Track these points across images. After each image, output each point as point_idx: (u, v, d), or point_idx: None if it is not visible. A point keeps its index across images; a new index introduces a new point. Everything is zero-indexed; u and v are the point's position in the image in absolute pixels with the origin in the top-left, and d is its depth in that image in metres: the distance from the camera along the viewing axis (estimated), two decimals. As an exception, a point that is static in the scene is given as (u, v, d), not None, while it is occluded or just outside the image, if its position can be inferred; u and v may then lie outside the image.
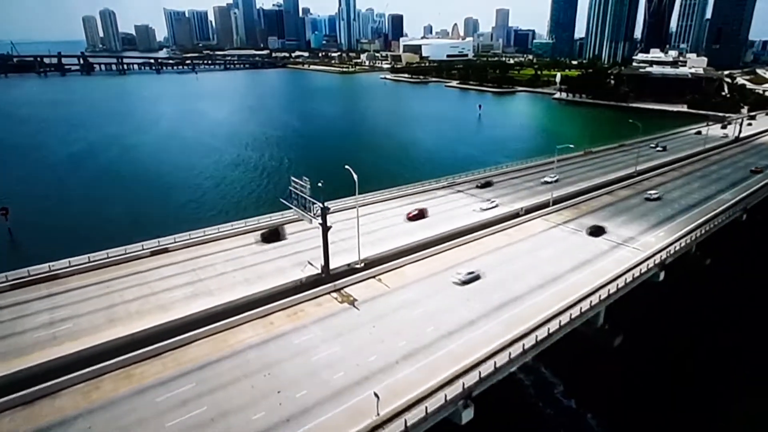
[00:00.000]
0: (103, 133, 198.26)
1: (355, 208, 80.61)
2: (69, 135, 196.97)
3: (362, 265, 60.49)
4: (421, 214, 78.50)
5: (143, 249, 62.51)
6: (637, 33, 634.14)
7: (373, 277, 58.08)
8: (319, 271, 57.17)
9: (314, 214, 55.86)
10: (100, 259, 59.70)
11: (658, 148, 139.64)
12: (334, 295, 53.86)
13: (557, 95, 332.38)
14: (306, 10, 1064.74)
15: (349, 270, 59.54)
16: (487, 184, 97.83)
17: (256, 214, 76.36)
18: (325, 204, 54.88)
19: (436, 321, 49.23)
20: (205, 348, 44.17)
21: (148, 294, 52.87)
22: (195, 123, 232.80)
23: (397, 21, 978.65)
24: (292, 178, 59.98)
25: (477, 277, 57.84)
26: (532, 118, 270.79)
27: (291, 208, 61.16)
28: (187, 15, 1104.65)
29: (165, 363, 41.86)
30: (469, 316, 50.36)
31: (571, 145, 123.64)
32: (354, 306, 51.75)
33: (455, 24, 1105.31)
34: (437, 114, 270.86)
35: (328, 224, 54.46)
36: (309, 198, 56.75)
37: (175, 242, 65.11)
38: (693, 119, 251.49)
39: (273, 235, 67.89)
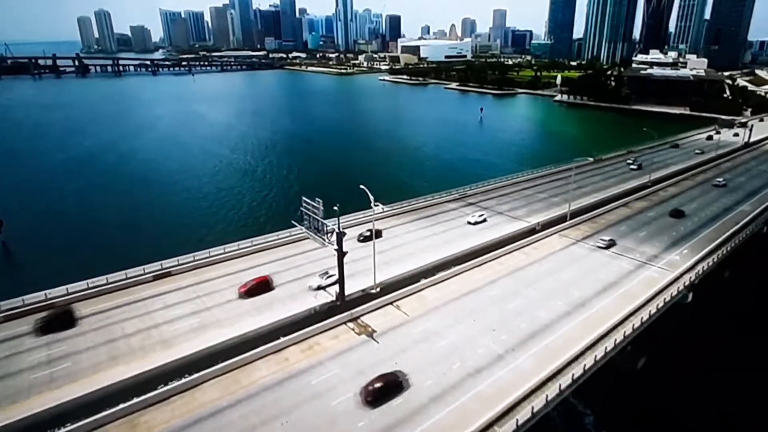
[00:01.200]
0: (100, 138, 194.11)
1: (364, 223, 78.55)
2: (65, 140, 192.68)
3: (378, 289, 57.23)
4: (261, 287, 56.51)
5: (144, 273, 58.99)
6: (636, 34, 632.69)
7: (391, 303, 54.80)
8: (334, 298, 53.86)
9: (328, 239, 52.56)
10: (100, 285, 56.18)
11: (633, 166, 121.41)
12: (351, 325, 50.54)
13: (558, 97, 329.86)
14: (302, 11, 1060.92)
15: (365, 295, 56.26)
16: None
17: (264, 232, 72.96)
18: (340, 226, 51.58)
19: (461, 355, 46.02)
20: (217, 390, 40.78)
21: (151, 326, 49.38)
22: (193, 127, 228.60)
23: (394, 21, 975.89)
24: (304, 199, 56.62)
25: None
26: (535, 122, 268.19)
27: (302, 229, 57.78)
28: (183, 15, 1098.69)
29: (173, 409, 38.46)
30: (496, 349, 47.16)
31: (589, 158, 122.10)
32: (373, 338, 48.44)
33: (452, 24, 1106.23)
34: (438, 117, 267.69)
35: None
36: (322, 221, 53.44)
37: (179, 264, 61.65)
38: (696, 122, 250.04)
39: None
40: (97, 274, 57.11)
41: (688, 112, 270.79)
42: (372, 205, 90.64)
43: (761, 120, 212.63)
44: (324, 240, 53.40)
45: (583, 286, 59.99)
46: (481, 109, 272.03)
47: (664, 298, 56.90)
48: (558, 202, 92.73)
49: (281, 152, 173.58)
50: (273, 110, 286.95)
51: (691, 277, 62.98)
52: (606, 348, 47.16)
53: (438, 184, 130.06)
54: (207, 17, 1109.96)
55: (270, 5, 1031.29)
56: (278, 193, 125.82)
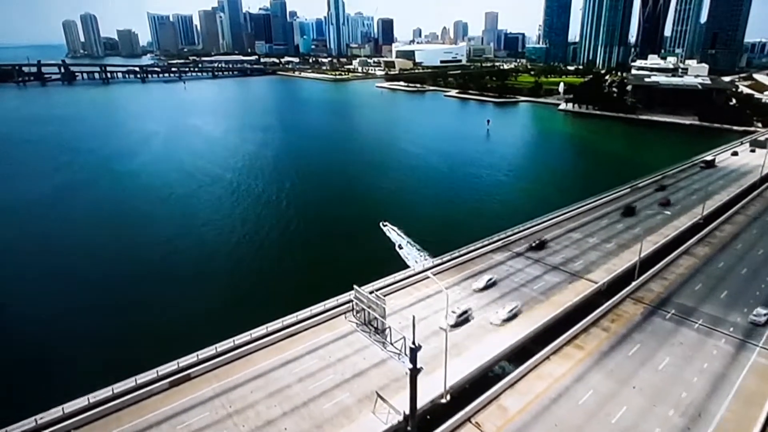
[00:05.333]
0: (90, 159, 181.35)
1: (404, 286, 68.28)
2: (52, 161, 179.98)
3: (448, 398, 46.77)
4: None
5: (158, 377, 48.03)
6: (632, 38, 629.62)
7: (468, 419, 44.41)
8: (401, 418, 43.27)
9: (393, 347, 41.97)
10: (105, 398, 45.12)
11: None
12: (427, 459, 40.11)
13: (563, 106, 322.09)
14: (293, 14, 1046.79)
15: (434, 407, 45.79)
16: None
17: (293, 305, 61.81)
18: (415, 339, 41.02)
19: None
20: None
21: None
22: (190, 144, 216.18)
23: (387, 25, 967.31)
24: (356, 288, 46.12)
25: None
26: (545, 135, 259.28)
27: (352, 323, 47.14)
28: (171, 19, 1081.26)
29: None
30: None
31: (626, 188, 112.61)
32: (459, 483, 38.04)
33: (444, 27, 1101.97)
34: (444, 130, 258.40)
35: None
36: (383, 320, 42.91)
37: (198, 361, 50.70)
38: (707, 133, 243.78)
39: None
40: (93, 376, 46.22)
41: (697, 122, 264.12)
42: (413, 261, 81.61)
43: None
44: (383, 342, 42.82)
45: (687, 381, 50.07)
46: (488, 121, 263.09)
47: (797, 403, 47.06)
48: (613, 250, 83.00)
49: (290, 178, 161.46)
50: (274, 125, 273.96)
51: (809, 365, 53.27)
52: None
53: (466, 218, 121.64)
54: (196, 21, 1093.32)
55: (260, 8, 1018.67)
56: (310, 242, 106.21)
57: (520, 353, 55.70)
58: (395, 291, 67.42)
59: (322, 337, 56.24)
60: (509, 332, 57.78)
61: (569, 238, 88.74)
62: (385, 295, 65.15)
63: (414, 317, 40.28)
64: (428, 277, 70.79)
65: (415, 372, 39.65)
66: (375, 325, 44.18)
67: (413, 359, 39.27)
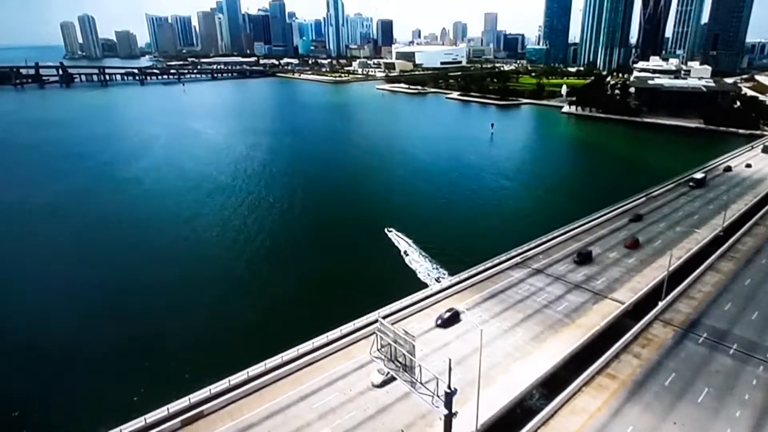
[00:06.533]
0: (90, 166, 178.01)
1: (423, 308, 65.41)
2: (50, 167, 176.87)
3: (480, 437, 43.88)
4: None
5: (169, 415, 45.02)
6: (632, 39, 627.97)
7: (503, 463, 41.53)
8: (431, 464, 40.37)
9: (424, 388, 38.99)
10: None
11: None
12: None
13: (566, 108, 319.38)
14: (291, 15, 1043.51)
15: (465, 448, 42.83)
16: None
17: (305, 329, 58.93)
18: (451, 383, 38.10)
19: None
20: None
21: None
22: (192, 149, 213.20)
23: (386, 26, 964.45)
24: (380, 320, 43.23)
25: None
26: (550, 138, 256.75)
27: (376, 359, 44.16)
28: (169, 20, 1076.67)
29: None
30: None
31: (641, 197, 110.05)
32: None
33: (443, 28, 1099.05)
34: (447, 133, 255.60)
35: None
36: (412, 357, 39.94)
37: (211, 396, 47.72)
38: (713, 136, 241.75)
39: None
40: (99, 415, 43.11)
41: (703, 126, 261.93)
42: (432, 280, 78.91)
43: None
44: (413, 383, 39.84)
45: (730, 416, 47.26)
46: (492, 125, 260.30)
47: None
48: (635, 266, 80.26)
49: (295, 183, 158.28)
50: (276, 129, 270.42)
51: None
52: None
53: (471, 224, 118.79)
54: (194, 22, 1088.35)
55: (259, 9, 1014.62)
56: (320, 259, 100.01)
57: (550, 382, 52.89)
58: (414, 314, 64.36)
59: (341, 367, 53.26)
60: (538, 360, 54.90)
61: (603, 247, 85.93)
62: (402, 319, 62.66)
63: (450, 360, 37.25)
64: (447, 297, 68.26)
65: (450, 418, 36.71)
66: (402, 362, 41.20)
67: (449, 404, 36.35)
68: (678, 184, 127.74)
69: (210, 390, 48.28)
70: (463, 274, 74.67)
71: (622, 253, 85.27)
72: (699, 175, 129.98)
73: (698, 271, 77.67)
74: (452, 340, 58.33)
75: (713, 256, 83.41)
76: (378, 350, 43.37)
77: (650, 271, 78.05)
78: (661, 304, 66.93)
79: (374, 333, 55.57)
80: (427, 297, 68.21)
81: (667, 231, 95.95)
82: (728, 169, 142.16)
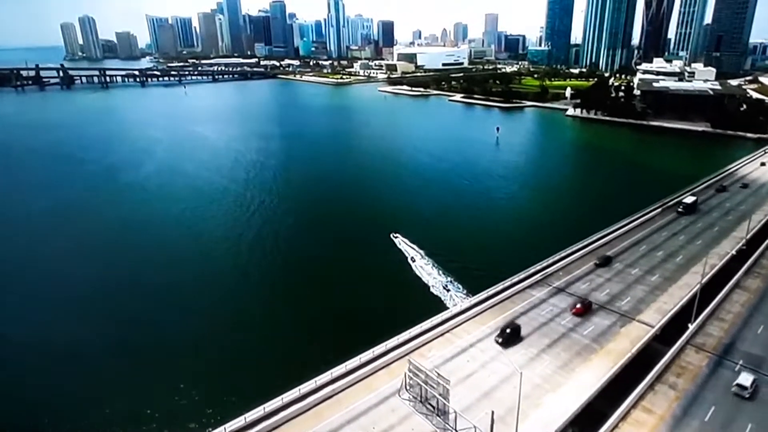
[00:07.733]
0: (92, 170, 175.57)
1: (439, 334, 62.51)
2: (52, 171, 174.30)
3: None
4: None
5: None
6: (635, 40, 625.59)
7: None
8: None
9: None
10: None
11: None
12: None
13: (570, 111, 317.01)
14: (292, 16, 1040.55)
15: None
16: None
17: (317, 356, 56.23)
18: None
19: None
20: None
21: None
22: (195, 153, 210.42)
23: (387, 27, 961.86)
24: (410, 360, 40.39)
25: None
26: (556, 142, 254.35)
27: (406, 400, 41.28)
28: (170, 21, 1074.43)
29: None
30: None
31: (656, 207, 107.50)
32: None
33: (444, 29, 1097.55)
34: (453, 136, 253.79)
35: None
36: (444, 400, 37.10)
37: (227, 434, 44.82)
38: (720, 141, 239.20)
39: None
40: None
41: (710, 129, 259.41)
42: (449, 299, 76.17)
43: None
44: (446, 430, 36.98)
45: (779, 457, 44.40)
46: (497, 129, 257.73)
47: None
48: (659, 283, 77.34)
49: (299, 189, 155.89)
50: (279, 132, 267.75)
51: None
52: None
53: (478, 229, 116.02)
54: (195, 23, 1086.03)
55: (260, 10, 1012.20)
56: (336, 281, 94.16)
57: (582, 416, 50.01)
58: (434, 339, 61.36)
59: (362, 401, 50.19)
60: (569, 392, 52.02)
61: (612, 269, 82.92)
62: (422, 345, 59.91)
63: (493, 413, 34.38)
64: (467, 321, 65.53)
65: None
66: (434, 405, 38.38)
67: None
68: (706, 187, 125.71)
69: (225, 429, 45.34)
70: (482, 294, 71.78)
71: (643, 269, 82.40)
72: (689, 199, 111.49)
73: (726, 289, 74.56)
74: (477, 370, 55.39)
75: (739, 273, 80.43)
76: (407, 390, 40.55)
77: (676, 290, 75.06)
78: (691, 327, 64.06)
79: (394, 361, 53.27)
80: (446, 320, 65.25)
81: (683, 245, 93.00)
82: (693, 208, 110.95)
